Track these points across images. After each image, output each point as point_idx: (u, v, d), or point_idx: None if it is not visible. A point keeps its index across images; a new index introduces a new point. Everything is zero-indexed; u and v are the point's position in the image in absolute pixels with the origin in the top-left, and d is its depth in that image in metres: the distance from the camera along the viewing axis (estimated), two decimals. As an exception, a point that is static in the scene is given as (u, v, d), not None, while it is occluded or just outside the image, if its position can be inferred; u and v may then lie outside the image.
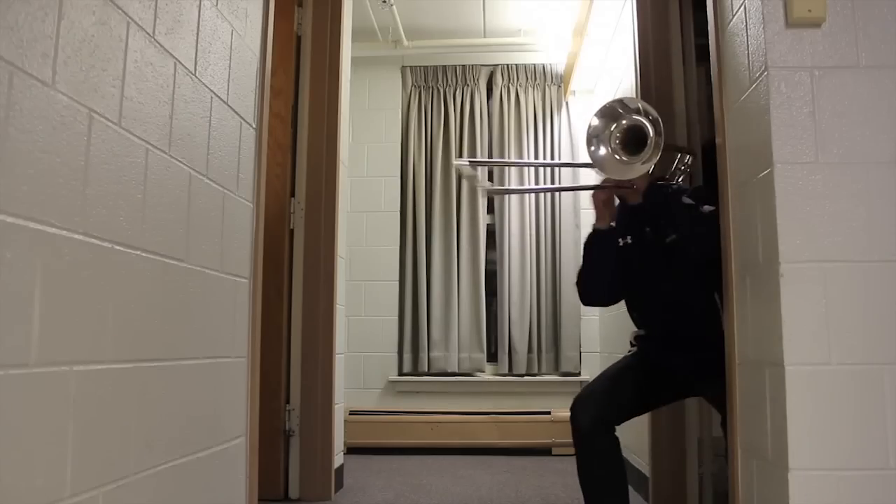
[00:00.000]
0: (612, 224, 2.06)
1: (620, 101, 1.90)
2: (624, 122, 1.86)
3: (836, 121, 1.44)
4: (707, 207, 1.86)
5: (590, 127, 1.90)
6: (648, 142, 1.81)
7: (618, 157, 1.86)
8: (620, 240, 2.06)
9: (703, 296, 1.94)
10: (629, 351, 2.14)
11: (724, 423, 1.92)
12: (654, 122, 1.82)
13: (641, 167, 1.85)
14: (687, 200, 1.91)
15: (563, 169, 4.49)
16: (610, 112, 1.88)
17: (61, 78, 1.04)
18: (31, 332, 0.97)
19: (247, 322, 1.81)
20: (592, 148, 1.89)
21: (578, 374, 4.34)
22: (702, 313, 1.94)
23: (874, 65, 1.45)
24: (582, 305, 4.39)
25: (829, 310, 1.39)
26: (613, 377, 2.06)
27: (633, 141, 1.85)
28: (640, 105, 1.87)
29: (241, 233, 1.78)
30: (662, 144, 1.81)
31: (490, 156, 4.55)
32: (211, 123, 1.59)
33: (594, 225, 2.07)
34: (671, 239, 1.92)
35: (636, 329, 2.14)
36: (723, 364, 1.72)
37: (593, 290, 2.13)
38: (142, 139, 1.28)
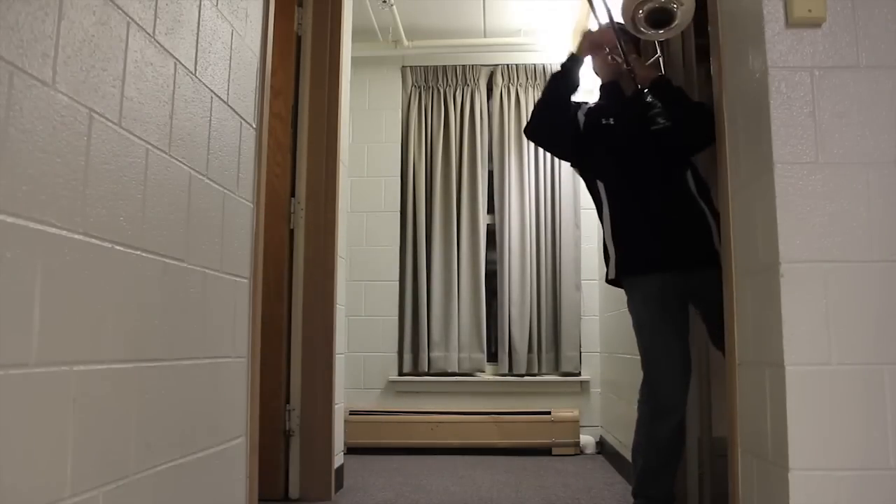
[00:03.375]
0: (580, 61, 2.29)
1: None
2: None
3: (836, 121, 1.44)
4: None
5: None
6: (672, 24, 1.97)
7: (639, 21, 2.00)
8: (603, 119, 2.27)
9: (685, 181, 2.16)
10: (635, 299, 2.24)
11: (712, 335, 2.12)
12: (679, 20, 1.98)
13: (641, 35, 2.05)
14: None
15: (563, 173, 4.47)
16: None
17: (61, 78, 1.04)
18: (31, 332, 0.97)
19: (247, 322, 1.81)
20: None
21: (578, 374, 4.34)
22: (686, 198, 2.14)
23: (874, 65, 1.45)
24: (582, 305, 4.39)
25: (829, 310, 1.39)
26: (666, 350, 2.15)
27: (657, 19, 2.01)
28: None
29: (241, 233, 1.78)
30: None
31: (490, 155, 4.55)
32: (211, 123, 1.59)
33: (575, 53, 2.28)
34: (659, 126, 2.19)
35: (620, 254, 2.25)
36: (715, 260, 1.85)
37: (546, 126, 2.29)
38: (142, 139, 1.28)
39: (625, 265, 2.23)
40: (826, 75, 1.46)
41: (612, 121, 2.26)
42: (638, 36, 2.11)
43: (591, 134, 2.28)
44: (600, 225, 2.38)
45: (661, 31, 2.02)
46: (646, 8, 1.96)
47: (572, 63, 2.28)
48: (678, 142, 2.16)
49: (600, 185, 2.31)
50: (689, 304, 2.22)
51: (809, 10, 1.45)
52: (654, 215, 2.16)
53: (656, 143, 2.19)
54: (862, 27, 1.46)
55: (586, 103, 2.39)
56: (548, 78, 2.34)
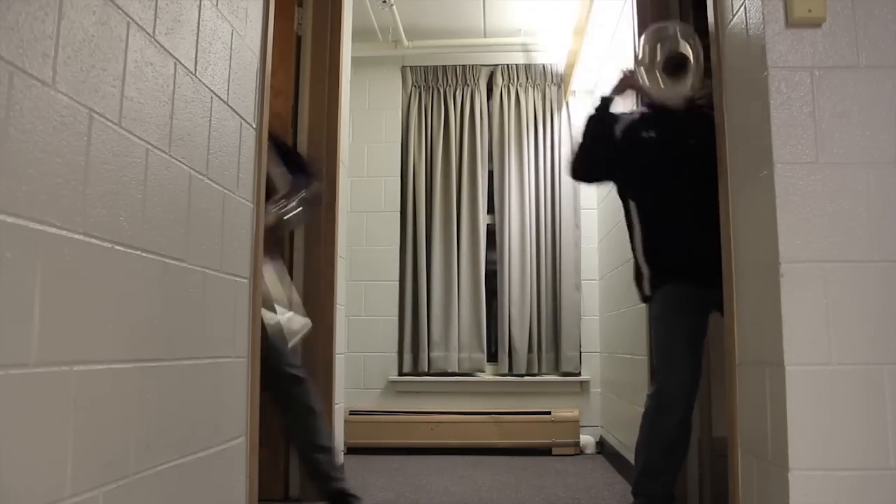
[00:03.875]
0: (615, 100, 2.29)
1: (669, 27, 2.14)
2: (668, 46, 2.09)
3: (836, 121, 1.44)
4: None
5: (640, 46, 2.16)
6: (688, 71, 2.08)
7: (660, 78, 2.12)
8: (644, 132, 2.26)
9: (712, 196, 2.14)
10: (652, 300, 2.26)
11: None
12: (696, 57, 2.06)
13: (676, 89, 2.12)
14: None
15: (563, 181, 4.47)
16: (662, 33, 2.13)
17: (61, 78, 1.04)
18: (31, 332, 0.97)
19: (247, 322, 1.81)
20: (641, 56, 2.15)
21: (578, 373, 4.34)
22: (711, 212, 2.10)
23: (874, 65, 1.45)
24: (582, 305, 4.40)
25: (829, 310, 1.39)
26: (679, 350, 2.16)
27: (675, 68, 2.10)
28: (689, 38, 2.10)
29: (241, 233, 1.78)
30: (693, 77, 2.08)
31: (490, 155, 4.55)
32: (211, 123, 1.59)
33: (610, 93, 2.28)
34: (693, 143, 2.17)
35: (647, 267, 2.25)
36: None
37: (593, 163, 2.32)
38: (142, 139, 1.28)
39: (656, 281, 2.24)
40: (826, 75, 1.46)
41: (653, 133, 2.24)
42: (660, 95, 2.20)
43: (630, 149, 2.26)
44: (630, 244, 2.36)
45: (678, 84, 2.12)
46: (659, 62, 2.10)
47: (607, 104, 2.29)
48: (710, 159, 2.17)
49: (632, 205, 2.31)
50: (712, 313, 2.22)
51: (809, 10, 1.45)
52: (687, 243, 2.16)
53: (695, 162, 2.14)
54: (862, 27, 1.46)
55: (627, 114, 2.37)
56: (585, 120, 2.34)
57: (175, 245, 1.42)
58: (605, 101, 2.29)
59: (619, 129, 2.30)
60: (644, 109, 2.35)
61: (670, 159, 2.20)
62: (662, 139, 2.22)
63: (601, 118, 2.28)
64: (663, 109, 2.25)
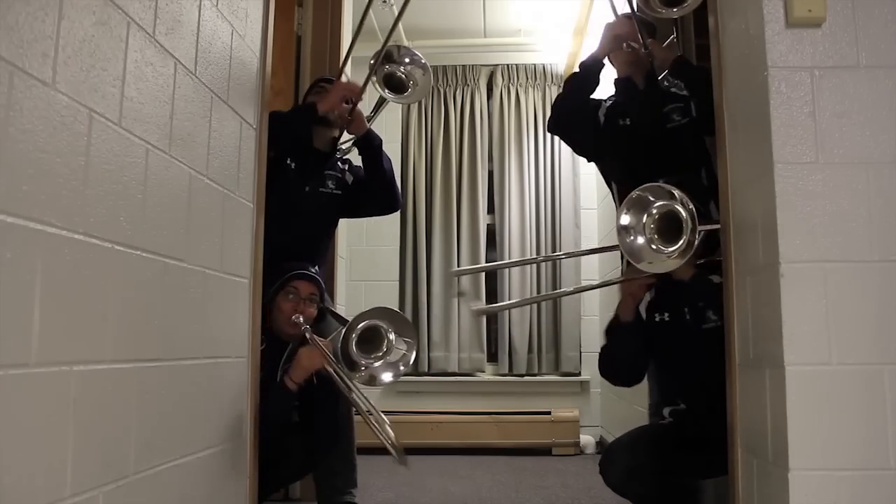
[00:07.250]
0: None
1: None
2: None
3: (836, 121, 1.44)
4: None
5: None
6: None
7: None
8: (621, 120, 2.19)
9: (699, 181, 2.07)
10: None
11: None
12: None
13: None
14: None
15: (563, 173, 4.48)
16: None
17: (61, 78, 1.04)
18: (31, 332, 0.97)
19: (247, 322, 1.81)
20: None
21: (578, 374, 4.34)
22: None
23: (874, 65, 1.45)
24: (582, 305, 4.40)
25: (829, 310, 1.39)
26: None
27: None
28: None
29: (241, 233, 1.78)
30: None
31: (490, 155, 4.54)
32: (211, 123, 1.59)
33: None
34: (675, 123, 2.11)
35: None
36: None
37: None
38: (142, 139, 1.28)
39: None
40: (826, 75, 1.45)
41: (628, 121, 2.21)
42: (653, 14, 2.01)
43: (610, 135, 2.25)
44: None
45: (675, 9, 1.91)
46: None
47: (593, 65, 2.24)
48: (700, 132, 2.08)
49: (613, 188, 2.30)
50: None
51: (809, 10, 1.45)
52: None
53: (672, 143, 2.12)
54: (862, 27, 1.46)
55: (607, 101, 2.34)
56: (568, 77, 2.30)
57: (175, 245, 1.42)
58: (591, 63, 2.24)
59: (601, 119, 2.28)
60: (617, 99, 2.29)
61: (646, 145, 2.17)
62: (636, 125, 2.20)
63: (582, 79, 2.24)
64: (635, 95, 2.21)
